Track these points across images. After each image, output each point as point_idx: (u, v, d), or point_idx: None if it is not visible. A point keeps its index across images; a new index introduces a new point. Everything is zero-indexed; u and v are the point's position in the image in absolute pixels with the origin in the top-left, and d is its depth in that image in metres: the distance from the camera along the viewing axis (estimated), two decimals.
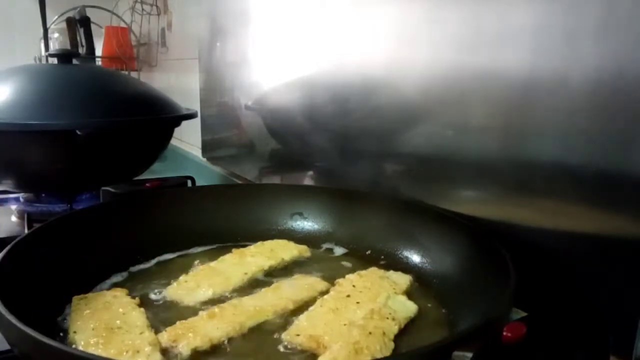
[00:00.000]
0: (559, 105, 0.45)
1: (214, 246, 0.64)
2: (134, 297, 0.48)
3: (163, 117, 0.78)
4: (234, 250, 0.60)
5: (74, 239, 0.54)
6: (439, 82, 0.57)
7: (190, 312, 0.47)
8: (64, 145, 0.69)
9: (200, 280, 0.53)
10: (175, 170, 1.11)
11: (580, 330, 0.34)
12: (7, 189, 0.78)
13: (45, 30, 1.45)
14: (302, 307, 0.48)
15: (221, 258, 0.58)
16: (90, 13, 1.65)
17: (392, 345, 0.42)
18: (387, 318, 0.44)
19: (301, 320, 0.45)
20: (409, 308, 0.48)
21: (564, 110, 0.45)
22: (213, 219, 0.66)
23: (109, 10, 1.76)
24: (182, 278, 0.53)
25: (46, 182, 0.76)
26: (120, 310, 0.45)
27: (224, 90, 1.10)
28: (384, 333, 0.42)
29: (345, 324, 0.44)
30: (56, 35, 1.68)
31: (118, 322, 0.43)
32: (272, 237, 0.64)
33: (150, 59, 1.72)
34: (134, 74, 1.69)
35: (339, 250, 0.63)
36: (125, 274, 0.56)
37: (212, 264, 0.56)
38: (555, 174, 0.46)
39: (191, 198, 0.68)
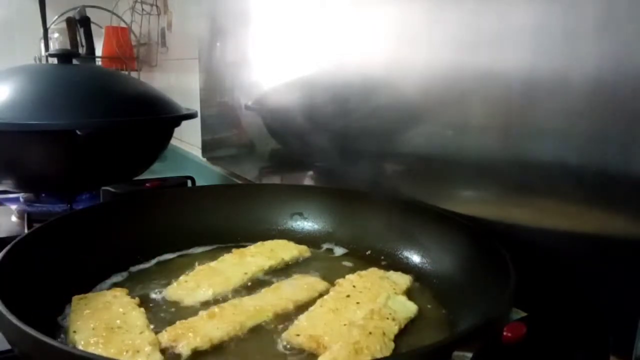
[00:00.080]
0: (559, 105, 0.45)
1: (214, 246, 0.64)
2: (134, 297, 0.48)
3: (163, 117, 0.78)
4: (234, 250, 0.60)
5: (74, 239, 0.54)
6: (439, 82, 0.57)
7: (190, 312, 0.47)
8: (64, 145, 0.69)
9: (200, 280, 0.53)
10: (175, 170, 1.11)
11: (580, 330, 0.34)
12: (7, 189, 0.78)
13: (45, 30, 1.45)
14: (302, 307, 0.48)
15: (221, 258, 0.58)
16: (90, 13, 1.65)
17: (392, 345, 0.42)
18: (387, 318, 0.44)
19: (301, 321, 0.45)
20: (409, 308, 0.48)
21: (564, 110, 0.45)
22: (213, 219, 0.66)
23: (109, 10, 1.76)
24: (182, 278, 0.53)
25: (46, 182, 0.76)
26: (120, 310, 0.45)
27: (224, 90, 1.10)
28: (384, 333, 0.42)
29: (345, 324, 0.44)
30: (56, 35, 1.68)
31: (118, 322, 0.43)
32: (272, 237, 0.64)
33: (150, 59, 1.72)
34: (134, 74, 1.69)
35: (339, 251, 0.63)
36: (125, 274, 0.56)
37: (212, 264, 0.56)
38: (555, 174, 0.46)
39: (191, 198, 0.68)
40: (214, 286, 0.52)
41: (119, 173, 0.80)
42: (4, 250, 0.44)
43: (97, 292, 0.51)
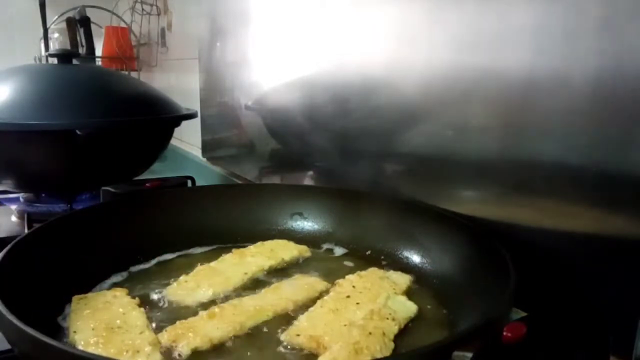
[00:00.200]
0: (559, 105, 0.45)
1: (214, 246, 0.64)
2: (134, 297, 0.48)
3: (163, 117, 0.78)
4: (234, 250, 0.60)
5: (74, 239, 0.54)
6: (439, 82, 0.57)
7: (191, 312, 0.47)
8: (64, 145, 0.69)
9: (200, 280, 0.53)
10: (175, 170, 1.11)
11: (580, 330, 0.34)
12: (7, 189, 0.78)
13: (45, 30, 1.45)
14: (302, 307, 0.48)
15: (221, 258, 0.58)
16: (90, 13, 1.65)
17: (392, 345, 0.42)
18: (387, 318, 0.44)
19: (301, 321, 0.45)
20: (409, 308, 0.48)
21: (564, 110, 0.45)
22: (213, 219, 0.66)
23: (109, 10, 1.76)
24: (182, 278, 0.53)
25: (46, 182, 0.76)
26: (120, 310, 0.45)
27: (224, 90, 1.10)
28: (384, 333, 0.42)
29: (345, 324, 0.44)
30: (56, 35, 1.68)
31: (118, 322, 0.43)
32: (272, 237, 0.64)
33: (150, 59, 1.72)
34: (134, 74, 1.69)
35: (339, 251, 0.63)
36: (125, 274, 0.56)
37: (212, 264, 0.56)
38: (555, 174, 0.46)
39: (191, 198, 0.68)
40: (214, 286, 0.52)
41: (119, 173, 0.80)
42: (4, 250, 0.44)
43: (97, 292, 0.51)
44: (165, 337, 0.42)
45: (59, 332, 0.44)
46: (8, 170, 0.73)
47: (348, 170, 0.74)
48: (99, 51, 1.74)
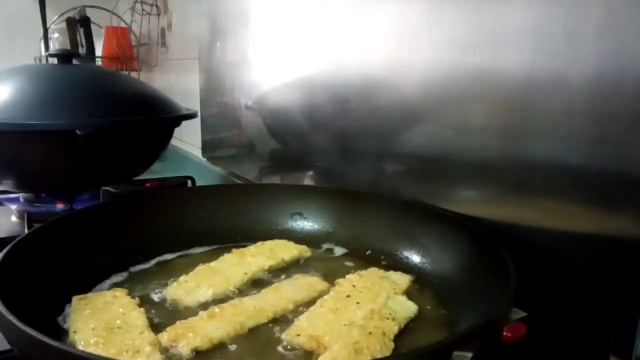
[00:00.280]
0: (559, 105, 0.45)
1: (214, 246, 0.64)
2: (134, 297, 0.48)
3: (163, 117, 0.78)
4: (234, 250, 0.60)
5: (74, 239, 0.54)
6: (439, 82, 0.57)
7: (190, 312, 0.47)
8: (64, 145, 0.69)
9: (200, 280, 0.53)
10: (175, 170, 1.11)
11: (580, 330, 0.34)
12: (7, 189, 0.78)
13: (45, 30, 1.46)
14: (302, 307, 0.48)
15: (221, 258, 0.58)
16: (90, 13, 1.65)
17: (392, 345, 0.42)
18: (387, 318, 0.44)
19: (301, 321, 0.45)
20: (409, 308, 0.48)
21: (564, 110, 0.45)
22: (213, 219, 0.66)
23: (109, 10, 1.76)
24: (182, 278, 0.53)
25: (46, 182, 0.76)
26: (120, 310, 0.45)
27: (224, 90, 1.10)
28: (384, 333, 0.42)
29: (345, 324, 0.44)
30: (56, 35, 1.68)
31: (118, 322, 0.43)
32: (272, 237, 0.64)
33: (150, 59, 1.72)
34: (134, 74, 1.69)
35: (339, 251, 0.63)
36: (125, 274, 0.56)
37: (212, 264, 0.56)
38: (555, 174, 0.46)
39: (191, 198, 0.68)
40: (214, 286, 0.52)
41: (119, 173, 0.80)
42: (4, 250, 0.44)
43: (97, 292, 0.51)
44: (165, 337, 0.42)
45: (59, 332, 0.44)
46: (8, 170, 0.73)
47: (348, 170, 0.74)
48: (99, 51, 1.74)
